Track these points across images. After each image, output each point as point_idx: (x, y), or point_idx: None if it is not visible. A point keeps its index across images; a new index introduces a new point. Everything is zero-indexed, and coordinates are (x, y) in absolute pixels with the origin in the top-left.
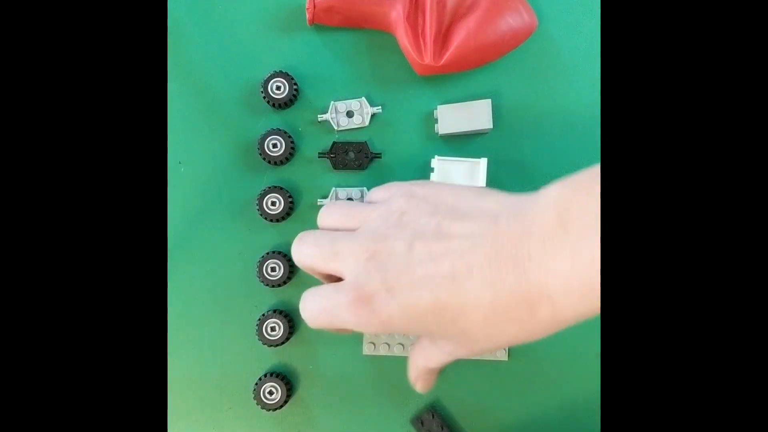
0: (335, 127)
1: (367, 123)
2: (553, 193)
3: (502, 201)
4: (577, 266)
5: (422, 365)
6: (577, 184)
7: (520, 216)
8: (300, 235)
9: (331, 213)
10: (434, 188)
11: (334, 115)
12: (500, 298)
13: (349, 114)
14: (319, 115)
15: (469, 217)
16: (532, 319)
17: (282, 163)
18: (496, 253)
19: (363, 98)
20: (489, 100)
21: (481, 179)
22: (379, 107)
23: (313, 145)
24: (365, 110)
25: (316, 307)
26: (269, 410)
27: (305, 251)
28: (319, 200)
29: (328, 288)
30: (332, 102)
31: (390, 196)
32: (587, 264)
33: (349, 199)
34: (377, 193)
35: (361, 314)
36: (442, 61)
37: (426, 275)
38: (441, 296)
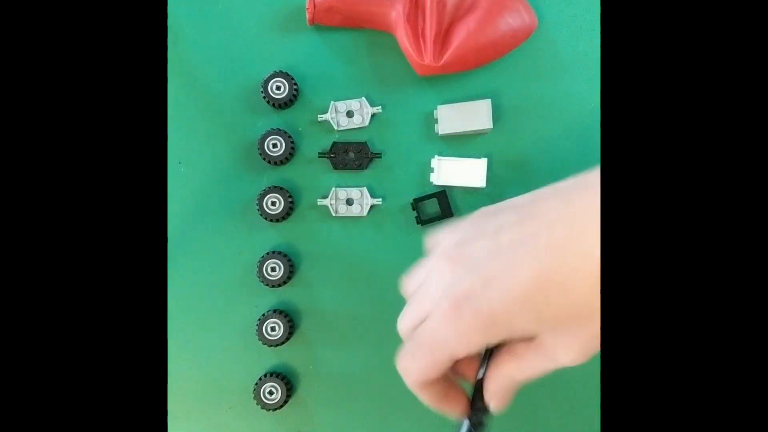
0: (335, 127)
1: (367, 123)
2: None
3: (547, 188)
4: None
5: (511, 377)
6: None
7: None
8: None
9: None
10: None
11: (334, 115)
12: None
13: (349, 114)
14: (319, 115)
15: (540, 199)
16: None
17: (282, 163)
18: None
19: (363, 98)
20: (489, 100)
21: (481, 179)
22: (379, 107)
23: (313, 145)
24: (365, 110)
25: (411, 353)
26: (269, 410)
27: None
28: (319, 200)
29: (420, 331)
30: (332, 102)
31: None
32: None
33: (349, 199)
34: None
35: (462, 321)
36: (442, 61)
37: (524, 253)
38: (544, 267)
